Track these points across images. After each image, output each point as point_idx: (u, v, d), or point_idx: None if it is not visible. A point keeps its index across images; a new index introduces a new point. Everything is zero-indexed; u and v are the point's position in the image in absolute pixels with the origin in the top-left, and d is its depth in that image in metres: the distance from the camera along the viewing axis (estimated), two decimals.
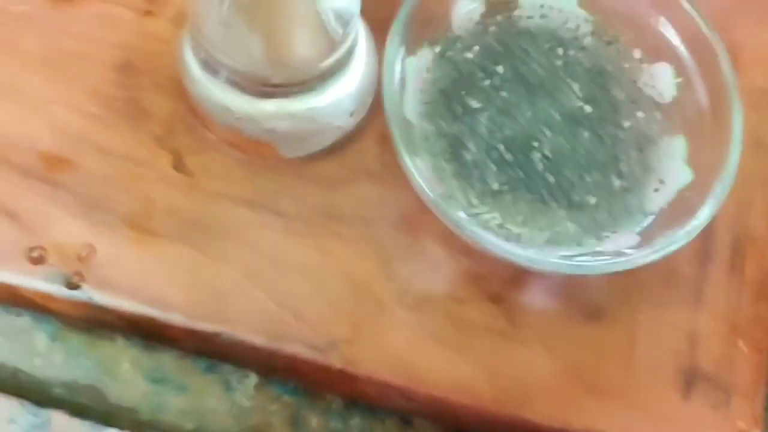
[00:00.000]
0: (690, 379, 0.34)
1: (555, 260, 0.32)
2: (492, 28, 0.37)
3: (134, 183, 0.35)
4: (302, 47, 0.32)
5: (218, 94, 0.35)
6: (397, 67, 0.34)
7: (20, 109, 0.36)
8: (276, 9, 0.30)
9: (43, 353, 0.34)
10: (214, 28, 0.32)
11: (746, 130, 0.38)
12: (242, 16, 0.30)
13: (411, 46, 0.35)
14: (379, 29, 0.36)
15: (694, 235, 0.32)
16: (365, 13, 0.35)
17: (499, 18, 0.37)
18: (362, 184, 0.36)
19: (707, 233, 0.34)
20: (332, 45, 0.33)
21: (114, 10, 0.38)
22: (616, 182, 0.35)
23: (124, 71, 0.37)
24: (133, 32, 0.38)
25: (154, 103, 0.37)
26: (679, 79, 0.36)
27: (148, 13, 0.38)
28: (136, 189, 0.35)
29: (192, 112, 0.36)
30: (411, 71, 0.35)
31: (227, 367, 0.35)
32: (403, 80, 0.35)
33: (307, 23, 0.31)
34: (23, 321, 0.35)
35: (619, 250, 0.33)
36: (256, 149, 0.36)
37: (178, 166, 0.36)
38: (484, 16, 0.37)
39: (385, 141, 0.35)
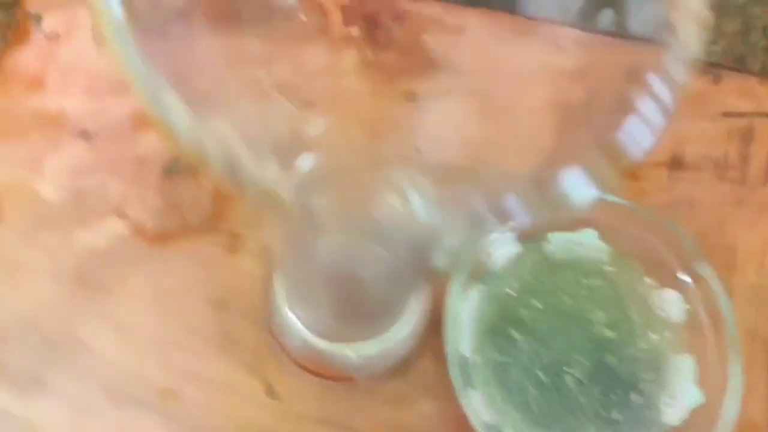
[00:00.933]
0: None
1: None
2: (527, 265, 0.43)
3: (231, 409, 0.42)
4: (374, 317, 0.39)
5: (302, 333, 0.41)
6: (455, 311, 0.41)
7: (135, 347, 0.43)
8: (354, 300, 0.37)
9: None
10: (302, 301, 0.39)
11: (743, 323, 0.45)
12: (327, 301, 0.37)
13: (464, 288, 0.42)
14: None
15: None
16: None
17: (533, 254, 0.44)
18: (423, 400, 0.42)
19: None
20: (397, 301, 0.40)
21: (203, 248, 0.45)
22: (636, 399, 0.42)
23: (217, 306, 0.44)
24: (221, 268, 0.44)
25: (244, 334, 0.43)
26: (688, 306, 0.42)
27: (233, 249, 0.45)
28: (232, 414, 0.42)
29: (277, 341, 0.43)
30: (464, 311, 0.42)
31: None
32: (457, 319, 0.41)
33: (379, 304, 0.38)
34: None
35: None
36: (332, 375, 0.42)
37: (268, 391, 0.42)
38: (520, 254, 0.43)
39: (440, 357, 0.42)
